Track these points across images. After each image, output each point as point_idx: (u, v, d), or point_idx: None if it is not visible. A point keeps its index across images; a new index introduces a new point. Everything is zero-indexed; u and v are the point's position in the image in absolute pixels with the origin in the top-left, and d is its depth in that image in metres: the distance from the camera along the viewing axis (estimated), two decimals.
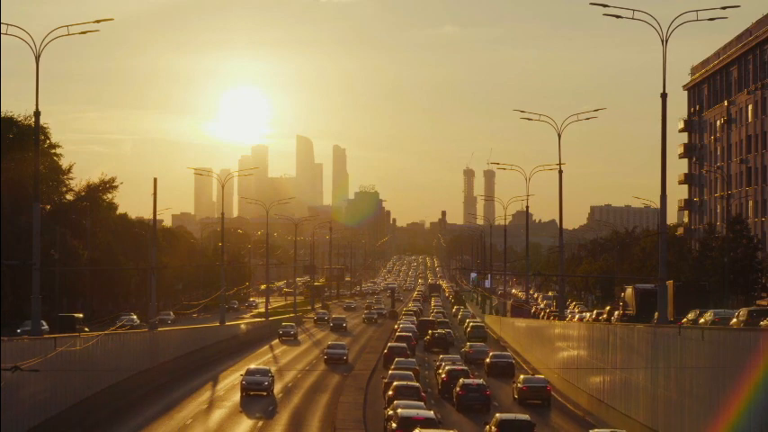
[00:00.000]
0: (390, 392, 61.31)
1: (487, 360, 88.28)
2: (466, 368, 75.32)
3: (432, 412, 52.60)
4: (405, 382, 63.45)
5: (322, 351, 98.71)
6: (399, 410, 51.02)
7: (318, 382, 79.41)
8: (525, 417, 50.77)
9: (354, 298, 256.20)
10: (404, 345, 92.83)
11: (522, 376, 72.78)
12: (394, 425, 49.71)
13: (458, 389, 64.60)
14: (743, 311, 55.08)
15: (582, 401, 65.29)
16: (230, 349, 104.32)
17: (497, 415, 51.23)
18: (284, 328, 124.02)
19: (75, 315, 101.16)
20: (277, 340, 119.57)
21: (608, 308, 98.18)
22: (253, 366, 74.38)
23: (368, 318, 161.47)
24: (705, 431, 40.22)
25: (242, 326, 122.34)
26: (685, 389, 43.81)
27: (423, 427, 46.61)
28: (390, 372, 72.83)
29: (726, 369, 38.22)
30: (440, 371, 75.97)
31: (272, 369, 74.82)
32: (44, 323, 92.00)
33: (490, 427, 49.83)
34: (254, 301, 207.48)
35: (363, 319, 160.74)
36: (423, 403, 56.52)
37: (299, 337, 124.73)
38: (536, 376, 75.31)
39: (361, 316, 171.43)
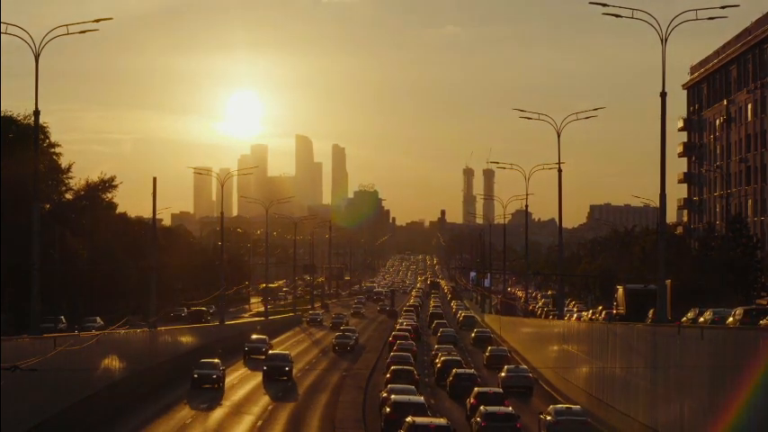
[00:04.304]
0: (388, 375, 69.31)
1: (472, 335, 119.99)
2: (459, 358, 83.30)
3: (422, 398, 56.94)
4: (401, 366, 72.23)
5: None
6: (393, 396, 55.45)
7: (318, 382, 79.42)
8: (499, 390, 61.64)
9: (354, 298, 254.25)
10: (406, 334, 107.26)
11: (489, 347, 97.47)
12: (388, 409, 53.54)
13: (451, 378, 71.07)
14: (739, 310, 55.33)
15: (581, 401, 65.30)
16: None
17: (476, 389, 60.07)
18: (201, 368, 72.87)
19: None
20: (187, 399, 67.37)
21: (600, 307, 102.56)
22: None
23: (339, 344, 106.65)
24: (705, 431, 40.23)
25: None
26: (685, 388, 43.83)
27: (414, 412, 50.11)
28: (392, 354, 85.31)
29: (725, 368, 38.23)
30: (436, 360, 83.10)
31: None
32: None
33: (470, 399, 58.63)
34: (212, 307, 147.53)
35: (334, 347, 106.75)
36: (414, 387, 61.65)
37: (225, 382, 74.75)
38: (500, 347, 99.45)
39: (332, 334, 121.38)
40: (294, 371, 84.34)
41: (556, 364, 78.53)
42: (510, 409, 53.51)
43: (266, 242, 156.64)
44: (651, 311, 70.93)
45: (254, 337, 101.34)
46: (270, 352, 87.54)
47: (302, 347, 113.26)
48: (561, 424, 52.58)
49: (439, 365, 78.89)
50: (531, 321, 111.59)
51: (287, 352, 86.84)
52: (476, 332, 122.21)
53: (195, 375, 71.98)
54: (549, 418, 53.57)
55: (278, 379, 77.35)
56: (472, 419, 54.35)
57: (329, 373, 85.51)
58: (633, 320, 70.75)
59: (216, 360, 75.58)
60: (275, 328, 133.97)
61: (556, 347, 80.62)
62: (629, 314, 79.36)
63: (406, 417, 48.32)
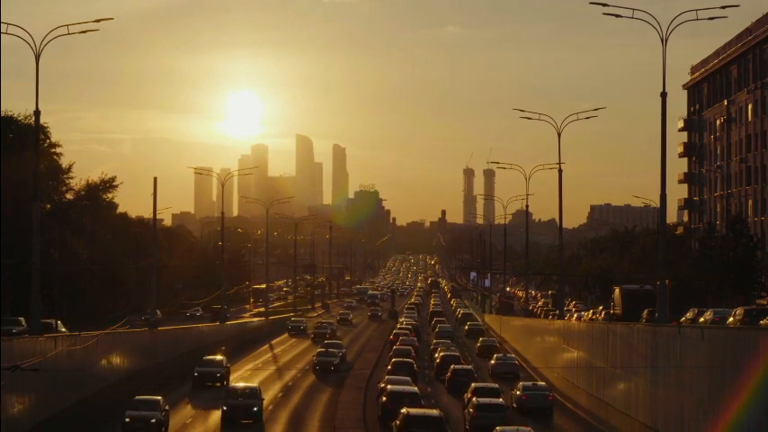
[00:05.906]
0: (389, 367, 73.16)
1: (465, 327, 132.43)
2: (458, 354, 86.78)
3: (416, 388, 59.53)
4: (402, 359, 76.25)
5: None
6: (389, 386, 58.00)
7: (318, 382, 79.38)
8: (494, 385, 63.09)
9: (354, 298, 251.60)
10: (407, 331, 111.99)
11: (480, 338, 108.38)
12: (385, 399, 56.14)
13: (449, 374, 73.84)
14: (739, 310, 55.38)
15: (582, 401, 65.36)
16: None
17: (472, 384, 61.93)
18: (136, 409, 53.34)
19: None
20: None
21: (600, 307, 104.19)
22: None
23: (320, 362, 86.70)
24: (705, 431, 40.21)
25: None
26: (685, 388, 43.81)
27: (409, 401, 52.66)
28: (395, 348, 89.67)
29: (725, 368, 38.21)
30: (435, 355, 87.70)
31: None
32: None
33: (467, 393, 60.11)
34: (198, 310, 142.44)
35: (314, 366, 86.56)
36: (410, 379, 64.51)
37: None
38: (490, 338, 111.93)
39: (315, 345, 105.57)
40: (294, 371, 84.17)
41: (555, 363, 78.56)
42: (501, 400, 56.34)
43: (267, 242, 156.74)
44: (645, 312, 71.14)
45: (210, 358, 78.16)
46: (232, 386, 64.15)
47: (303, 347, 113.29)
48: (528, 397, 61.83)
49: (438, 361, 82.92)
50: (530, 321, 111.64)
51: (255, 385, 64.01)
52: (469, 325, 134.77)
53: (127, 419, 52.43)
54: (518, 392, 62.86)
55: (242, 422, 57.36)
56: (465, 410, 57.23)
57: (330, 373, 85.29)
58: (629, 321, 70.88)
59: (157, 397, 55.35)
60: (276, 328, 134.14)
61: (555, 346, 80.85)
62: (625, 314, 79.61)
63: (401, 406, 50.64)
